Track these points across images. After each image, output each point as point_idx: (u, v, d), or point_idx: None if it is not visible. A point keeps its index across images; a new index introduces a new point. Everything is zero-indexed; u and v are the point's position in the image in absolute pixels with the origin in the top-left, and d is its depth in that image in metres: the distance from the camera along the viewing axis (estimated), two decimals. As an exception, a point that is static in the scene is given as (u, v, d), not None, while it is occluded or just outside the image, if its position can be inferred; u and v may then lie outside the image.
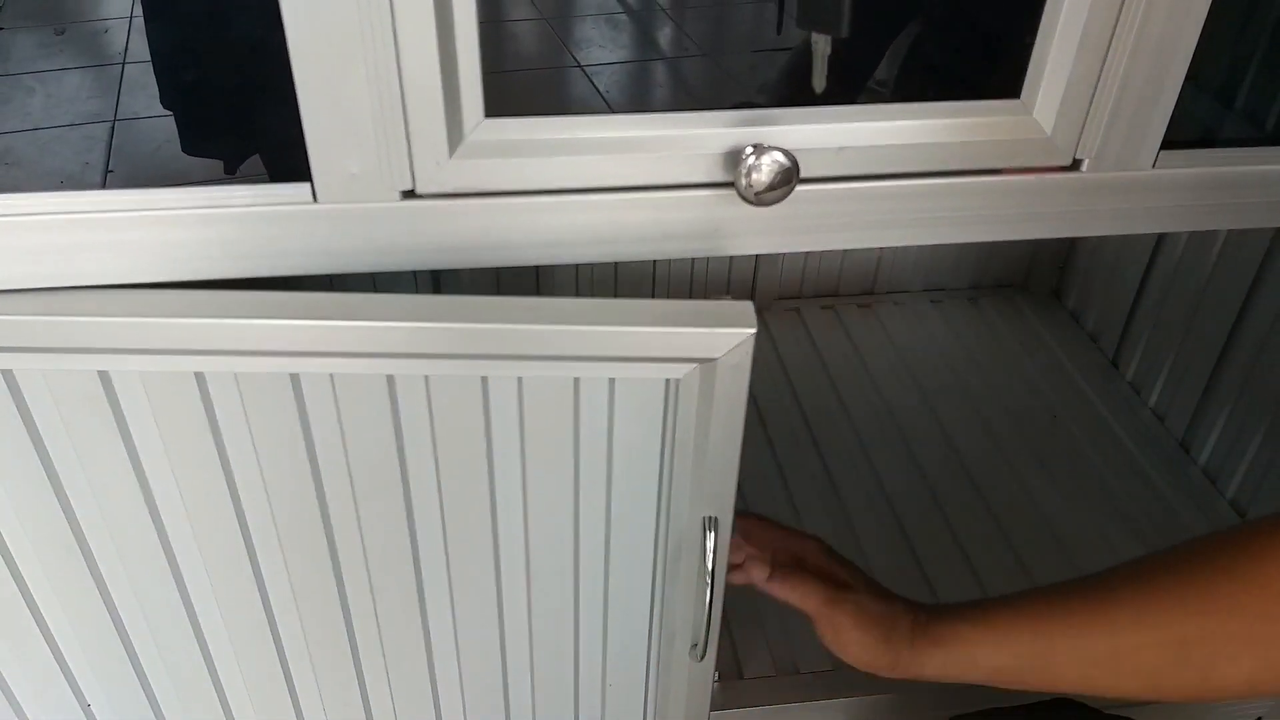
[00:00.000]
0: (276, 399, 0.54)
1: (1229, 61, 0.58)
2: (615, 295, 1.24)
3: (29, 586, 0.61)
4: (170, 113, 0.50)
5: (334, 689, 0.69)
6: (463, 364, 0.53)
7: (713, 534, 0.59)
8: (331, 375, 0.53)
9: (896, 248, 1.26)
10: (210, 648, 0.66)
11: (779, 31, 0.52)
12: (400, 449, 0.56)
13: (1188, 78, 0.54)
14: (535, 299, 0.53)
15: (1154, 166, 0.57)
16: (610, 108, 0.52)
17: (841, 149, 0.54)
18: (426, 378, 0.54)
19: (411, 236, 0.54)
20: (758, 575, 0.65)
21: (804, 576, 0.65)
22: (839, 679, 0.83)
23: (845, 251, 1.25)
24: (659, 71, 0.54)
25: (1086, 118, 0.55)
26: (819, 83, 0.51)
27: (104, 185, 0.51)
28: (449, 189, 0.52)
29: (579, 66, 0.52)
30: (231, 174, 0.52)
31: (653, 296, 1.25)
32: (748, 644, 0.85)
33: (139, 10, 0.47)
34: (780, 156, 0.51)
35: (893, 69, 0.55)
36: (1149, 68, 0.53)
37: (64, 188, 0.51)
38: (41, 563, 0.60)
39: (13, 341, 0.51)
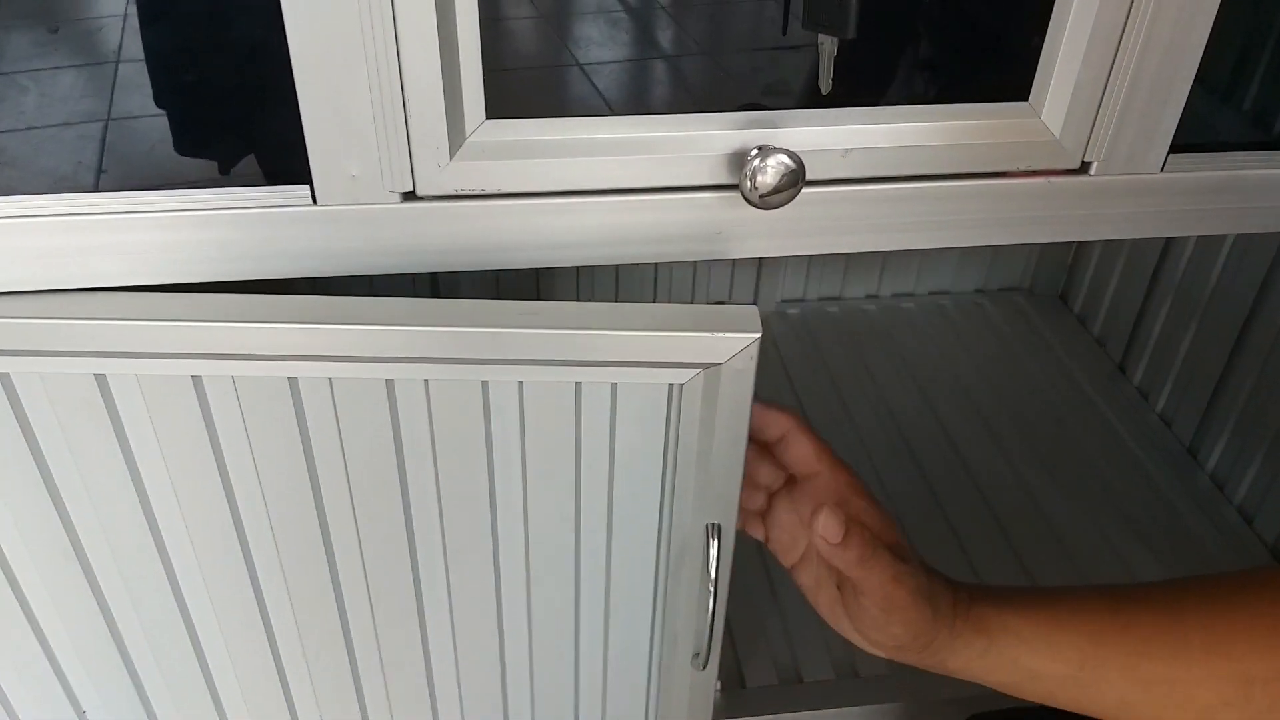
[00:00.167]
0: (274, 403, 0.53)
1: (1238, 64, 0.57)
2: (617, 297, 1.23)
3: (24, 591, 0.60)
4: (164, 112, 0.49)
5: (330, 694, 0.68)
6: (463, 368, 0.52)
7: (716, 541, 0.58)
8: (330, 379, 0.53)
9: (901, 250, 1.25)
10: (206, 652, 0.65)
11: (784, 32, 0.51)
12: (399, 454, 0.56)
13: (1196, 81, 0.54)
14: (536, 303, 0.53)
15: (1162, 170, 0.57)
16: (613, 109, 0.52)
17: (848, 151, 0.53)
18: (426, 382, 0.53)
19: (412, 238, 0.53)
20: (851, 556, 0.54)
21: (877, 548, 0.55)
22: (842, 688, 0.82)
23: (849, 253, 1.25)
24: (662, 72, 0.54)
25: (1095, 121, 0.54)
26: (825, 84, 0.51)
27: (96, 186, 0.51)
28: (450, 191, 0.52)
29: (581, 67, 0.52)
30: (225, 175, 0.51)
31: (654, 300, 1.24)
32: (750, 652, 0.85)
33: (133, 9, 0.47)
34: (786, 159, 0.51)
35: (901, 71, 0.54)
36: (1157, 70, 0.53)
37: (57, 188, 0.50)
38: (37, 567, 0.59)
39: (8, 344, 0.51)
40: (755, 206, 0.52)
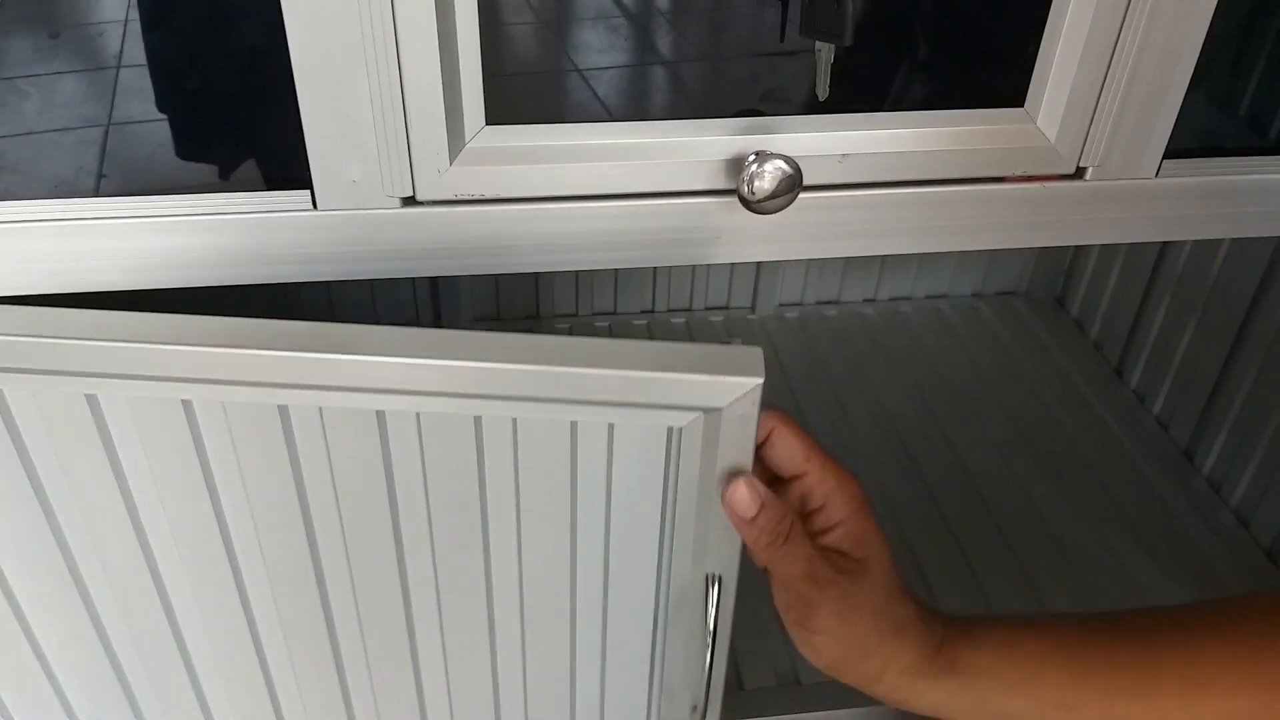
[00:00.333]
0: (264, 430, 0.52)
1: (1233, 70, 0.57)
2: (615, 299, 1.24)
3: (20, 606, 0.60)
4: (165, 116, 0.50)
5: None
6: (455, 402, 0.51)
7: (715, 591, 0.56)
8: (320, 409, 0.51)
9: (898, 254, 1.25)
10: (198, 673, 0.64)
11: (782, 39, 0.52)
12: (390, 486, 0.54)
13: (1191, 86, 0.54)
14: (532, 337, 0.51)
15: (1157, 175, 0.57)
16: (612, 114, 0.52)
17: (845, 157, 0.54)
18: (417, 415, 0.51)
19: (412, 243, 0.53)
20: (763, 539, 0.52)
21: (794, 537, 0.52)
22: (841, 691, 0.82)
23: (847, 258, 1.25)
24: (660, 78, 0.54)
25: (1090, 126, 0.54)
26: (822, 90, 0.51)
27: (97, 191, 0.51)
28: (450, 196, 0.52)
29: (580, 73, 0.52)
30: (226, 180, 0.51)
31: (653, 302, 1.24)
32: (748, 654, 0.85)
33: (134, 14, 0.47)
34: (783, 164, 0.51)
35: (898, 77, 0.54)
36: (1153, 76, 0.53)
37: (58, 193, 0.51)
38: (30, 581, 0.58)
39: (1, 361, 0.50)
40: (753, 211, 0.52)
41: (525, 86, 0.52)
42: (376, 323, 1.20)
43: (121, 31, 0.48)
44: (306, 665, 0.63)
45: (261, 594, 0.60)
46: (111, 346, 0.49)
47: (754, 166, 0.51)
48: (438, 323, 1.20)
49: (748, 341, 1.20)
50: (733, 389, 0.49)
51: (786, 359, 1.19)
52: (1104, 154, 0.55)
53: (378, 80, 0.48)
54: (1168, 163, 0.57)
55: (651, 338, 1.21)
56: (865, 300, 1.29)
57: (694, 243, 0.55)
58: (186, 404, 0.51)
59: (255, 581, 0.59)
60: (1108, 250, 1.20)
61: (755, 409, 0.50)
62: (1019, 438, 1.09)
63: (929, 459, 1.06)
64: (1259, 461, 0.96)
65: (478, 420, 0.52)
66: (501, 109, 0.50)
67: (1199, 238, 0.62)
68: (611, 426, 0.52)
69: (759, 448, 0.54)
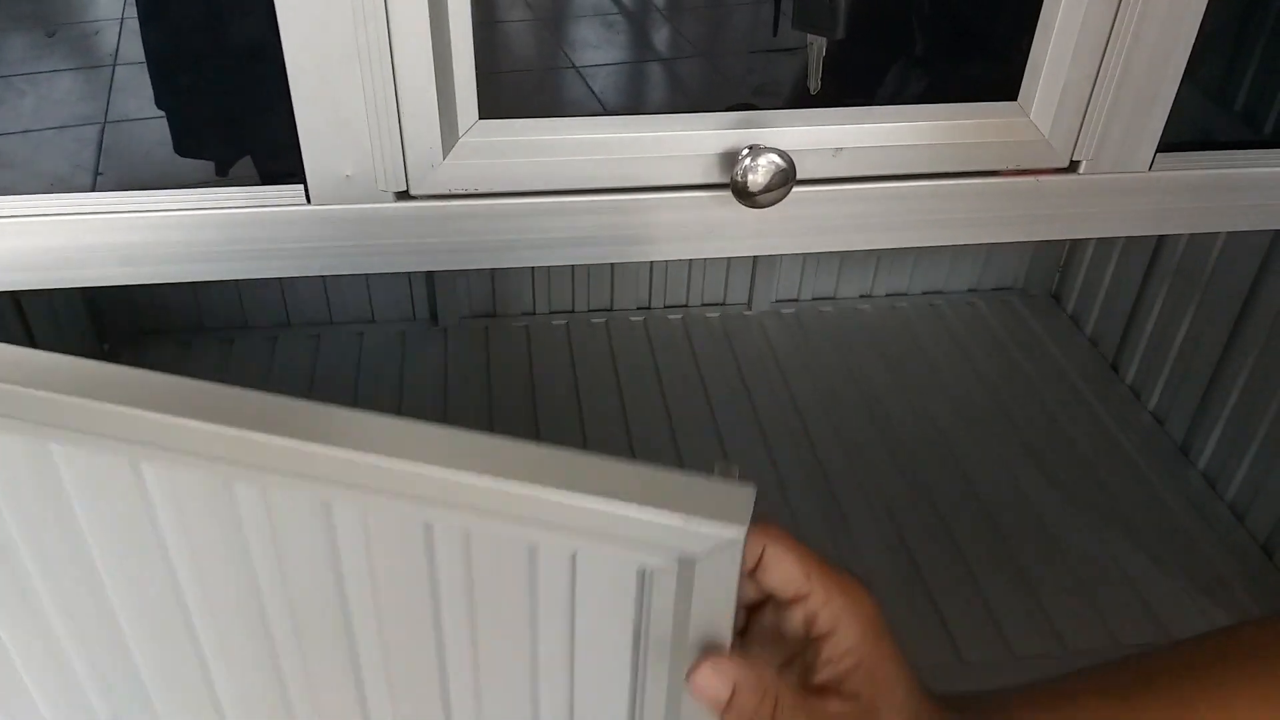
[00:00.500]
0: (212, 505, 0.46)
1: (1225, 64, 0.58)
2: (612, 298, 1.24)
3: (67, 657, 0.54)
4: (164, 113, 0.50)
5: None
6: (402, 504, 0.43)
7: None
8: (264, 490, 0.45)
9: (894, 250, 1.25)
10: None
11: (775, 33, 0.52)
12: (339, 582, 0.48)
13: (1184, 80, 0.54)
14: (491, 439, 0.41)
15: (1151, 169, 0.57)
16: (605, 109, 0.52)
17: (838, 150, 0.54)
18: (364, 513, 0.44)
19: (406, 238, 0.53)
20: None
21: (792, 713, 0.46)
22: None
23: (843, 254, 1.25)
24: (654, 73, 0.54)
25: (1083, 120, 0.55)
26: (814, 84, 0.51)
27: (94, 187, 0.51)
28: (443, 190, 0.52)
29: (574, 68, 0.52)
30: (223, 175, 0.52)
31: (649, 299, 1.25)
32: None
33: (130, 12, 0.47)
34: (776, 158, 0.51)
35: (890, 71, 0.55)
36: (1145, 70, 0.53)
37: (55, 189, 0.51)
38: (76, 636, 0.52)
39: (47, 419, 0.44)
40: (746, 206, 0.52)
41: (518, 81, 0.52)
42: (373, 319, 1.20)
43: (118, 29, 0.48)
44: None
45: (219, 664, 0.53)
46: (144, 416, 0.42)
47: (747, 160, 0.51)
48: (434, 320, 1.20)
49: (744, 337, 1.21)
50: (710, 538, 0.40)
51: (782, 355, 1.19)
52: (1097, 148, 0.55)
53: (371, 75, 0.48)
54: (1161, 156, 0.57)
55: (649, 336, 1.21)
56: (861, 296, 1.29)
57: (688, 237, 0.55)
58: (134, 467, 0.45)
59: (213, 650, 0.52)
60: (1103, 246, 1.20)
61: (735, 567, 0.41)
62: (1014, 433, 1.09)
63: (925, 455, 1.06)
64: (1254, 456, 0.97)
65: (428, 528, 0.44)
66: (495, 103, 0.50)
67: (1193, 231, 0.62)
68: (574, 557, 0.43)
69: (752, 571, 0.46)
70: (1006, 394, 1.15)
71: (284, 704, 0.55)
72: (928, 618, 0.88)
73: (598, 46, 0.52)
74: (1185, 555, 0.95)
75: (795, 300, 1.28)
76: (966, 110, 0.54)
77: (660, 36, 0.53)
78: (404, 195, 0.52)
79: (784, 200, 0.52)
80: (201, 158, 0.52)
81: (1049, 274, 1.30)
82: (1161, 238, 1.09)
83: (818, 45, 0.50)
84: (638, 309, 1.25)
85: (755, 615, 0.48)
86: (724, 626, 0.43)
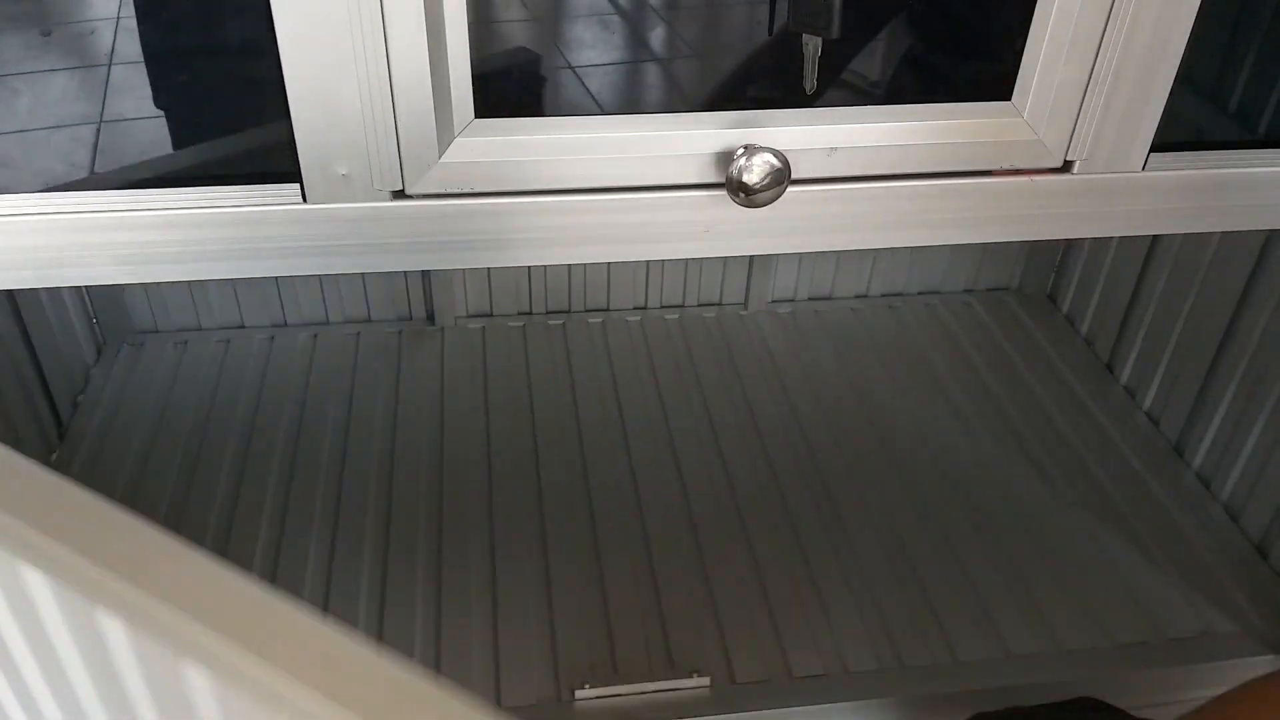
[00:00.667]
0: None
1: (1218, 65, 0.58)
2: (609, 297, 1.24)
3: None
4: (162, 112, 0.50)
5: None
6: None
7: None
8: None
9: (890, 250, 1.26)
10: None
11: (770, 33, 0.52)
12: None
13: (1177, 81, 0.54)
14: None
15: (1144, 169, 0.57)
16: (601, 109, 0.52)
17: (833, 150, 0.54)
18: None
19: (402, 237, 0.53)
20: None
21: None
22: (832, 683, 0.83)
23: (839, 254, 1.25)
24: (650, 72, 0.54)
25: (1077, 120, 0.55)
26: (809, 84, 0.51)
27: (90, 186, 0.51)
28: (439, 189, 0.52)
29: (570, 67, 0.52)
30: (216, 174, 0.52)
31: (646, 299, 1.25)
32: (740, 648, 0.85)
33: (125, 12, 0.47)
34: (771, 157, 0.51)
35: (885, 71, 0.55)
36: (1138, 71, 0.53)
37: (50, 188, 0.51)
38: None
39: None
40: (742, 205, 0.52)
41: (514, 80, 0.52)
42: (370, 319, 1.20)
43: (113, 29, 0.48)
44: None
45: None
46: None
47: (742, 160, 0.51)
48: (430, 319, 1.21)
49: (741, 337, 1.21)
50: None
51: (779, 355, 1.20)
52: (1091, 148, 0.56)
53: (367, 74, 0.48)
54: (1154, 156, 0.57)
55: (645, 336, 1.22)
56: (858, 296, 1.29)
57: (683, 236, 0.56)
58: None
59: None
60: (1098, 246, 1.21)
61: None
62: (1010, 433, 1.09)
63: (920, 454, 1.06)
64: (1249, 456, 0.97)
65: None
66: (490, 103, 0.51)
67: (1186, 231, 0.62)
68: None
69: None
70: (1002, 394, 1.15)
71: None
72: (923, 617, 0.89)
73: (593, 46, 0.52)
74: (1180, 555, 0.95)
75: (791, 300, 1.28)
76: (961, 110, 0.54)
77: (656, 36, 0.53)
78: (400, 194, 0.52)
79: (779, 200, 0.52)
80: (194, 156, 0.52)
81: (1044, 274, 1.30)
82: (1156, 238, 1.09)
83: (813, 45, 0.50)
84: (634, 309, 1.25)
85: None
86: None
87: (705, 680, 0.81)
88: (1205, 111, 0.59)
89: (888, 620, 0.88)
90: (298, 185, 0.51)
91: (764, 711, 0.80)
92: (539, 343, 1.20)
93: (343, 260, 0.54)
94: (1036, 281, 1.31)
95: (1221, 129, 0.59)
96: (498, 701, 0.81)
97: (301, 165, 0.51)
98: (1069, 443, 1.08)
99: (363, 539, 0.95)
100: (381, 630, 0.86)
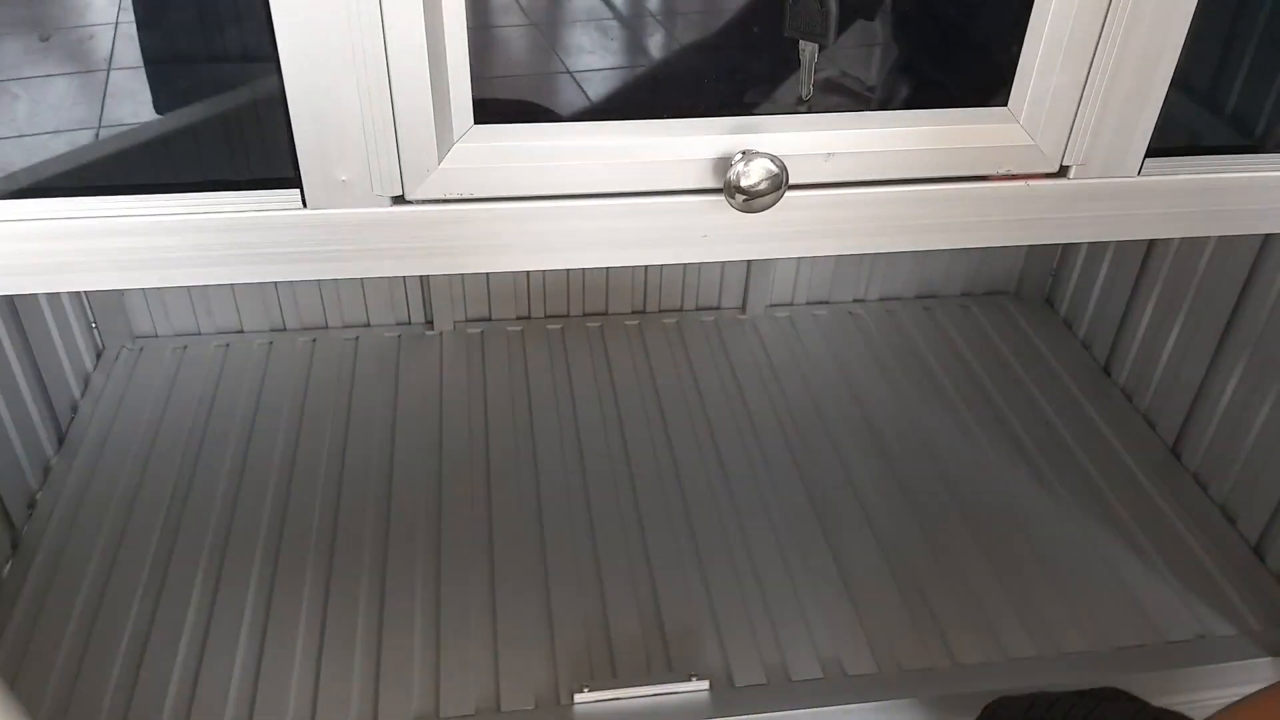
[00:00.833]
0: None
1: (1213, 70, 0.58)
2: (607, 299, 1.24)
3: None
4: (161, 117, 0.50)
5: None
6: None
7: None
8: None
9: (888, 254, 1.26)
10: None
11: (768, 39, 0.52)
12: None
13: (1173, 86, 0.55)
14: None
15: (1139, 174, 0.58)
16: (600, 114, 0.53)
17: (830, 155, 0.54)
18: None
19: (401, 242, 0.54)
20: None
21: None
22: (830, 686, 0.83)
23: (837, 258, 1.26)
24: (648, 78, 0.54)
25: (1073, 125, 0.55)
26: (806, 90, 0.52)
27: (89, 191, 0.51)
28: (438, 195, 0.52)
29: (569, 73, 0.52)
30: (216, 179, 0.52)
31: (644, 303, 1.25)
32: (738, 652, 0.85)
33: (125, 17, 0.47)
34: (769, 163, 0.51)
35: (882, 77, 0.55)
36: (1134, 76, 0.54)
37: (49, 194, 0.51)
38: None
39: None
40: (740, 210, 0.53)
41: (513, 86, 0.52)
42: (369, 324, 1.21)
43: (112, 35, 0.48)
44: None
45: None
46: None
47: (740, 165, 0.51)
48: (429, 324, 1.21)
49: (739, 341, 1.21)
50: None
51: (777, 358, 1.20)
52: (1087, 153, 0.56)
53: (366, 79, 0.48)
54: (1150, 161, 0.57)
55: (643, 340, 1.22)
56: (855, 300, 1.30)
57: (682, 242, 0.56)
58: None
59: None
60: (1095, 250, 1.21)
61: None
62: (1008, 436, 1.10)
63: (918, 457, 1.06)
64: (1245, 458, 0.97)
65: None
66: (490, 109, 0.51)
67: (1182, 235, 0.62)
68: None
69: None
70: (1000, 397, 1.15)
71: None
72: (921, 620, 0.89)
73: (592, 52, 0.52)
74: (1177, 558, 0.96)
75: (789, 304, 1.28)
76: (957, 116, 0.54)
77: (654, 42, 0.53)
78: (399, 200, 0.52)
79: (777, 205, 0.53)
80: (193, 160, 0.52)
81: (1042, 278, 1.31)
82: (1152, 242, 1.10)
83: (810, 51, 0.51)
84: (632, 313, 1.26)
85: None
86: None
87: (704, 684, 0.82)
88: (1200, 116, 0.59)
89: (886, 624, 0.88)
90: (298, 190, 0.51)
91: (763, 715, 0.81)
92: (537, 347, 1.20)
93: (342, 265, 0.54)
94: (1034, 285, 1.31)
95: (1217, 134, 0.59)
96: (497, 705, 0.81)
97: (301, 170, 0.51)
98: (1067, 446, 1.09)
99: (361, 542, 0.95)
100: (380, 632, 0.87)
